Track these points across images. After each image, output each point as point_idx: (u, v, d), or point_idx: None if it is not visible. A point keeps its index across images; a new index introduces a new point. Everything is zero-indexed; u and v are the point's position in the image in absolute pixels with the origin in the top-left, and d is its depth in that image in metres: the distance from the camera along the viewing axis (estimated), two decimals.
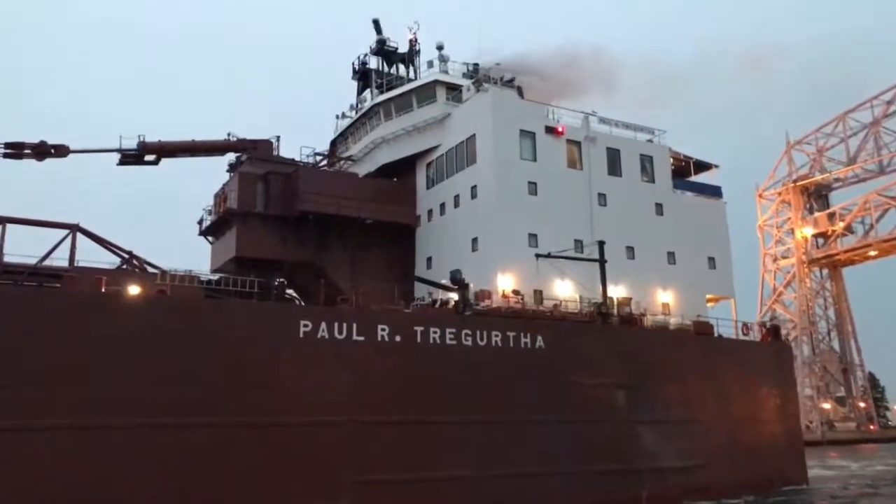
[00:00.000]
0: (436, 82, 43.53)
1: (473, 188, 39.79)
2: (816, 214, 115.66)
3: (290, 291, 44.24)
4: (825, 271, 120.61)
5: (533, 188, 39.40)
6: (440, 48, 45.39)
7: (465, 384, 31.68)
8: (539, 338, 33.92)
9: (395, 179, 46.03)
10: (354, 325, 29.92)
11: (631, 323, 37.47)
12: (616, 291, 39.91)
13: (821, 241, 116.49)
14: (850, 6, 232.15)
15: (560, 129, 40.91)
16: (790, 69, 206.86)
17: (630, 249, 41.54)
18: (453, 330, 32.05)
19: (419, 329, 31.33)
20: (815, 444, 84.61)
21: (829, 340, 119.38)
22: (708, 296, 44.33)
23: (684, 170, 47.06)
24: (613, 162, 42.54)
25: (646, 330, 38.03)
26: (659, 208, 43.46)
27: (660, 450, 36.10)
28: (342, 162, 48.66)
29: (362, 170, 46.97)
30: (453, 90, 43.14)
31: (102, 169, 51.83)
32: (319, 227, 41.78)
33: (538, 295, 37.62)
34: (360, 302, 31.40)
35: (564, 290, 38.23)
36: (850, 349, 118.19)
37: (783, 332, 43.57)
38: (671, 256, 42.96)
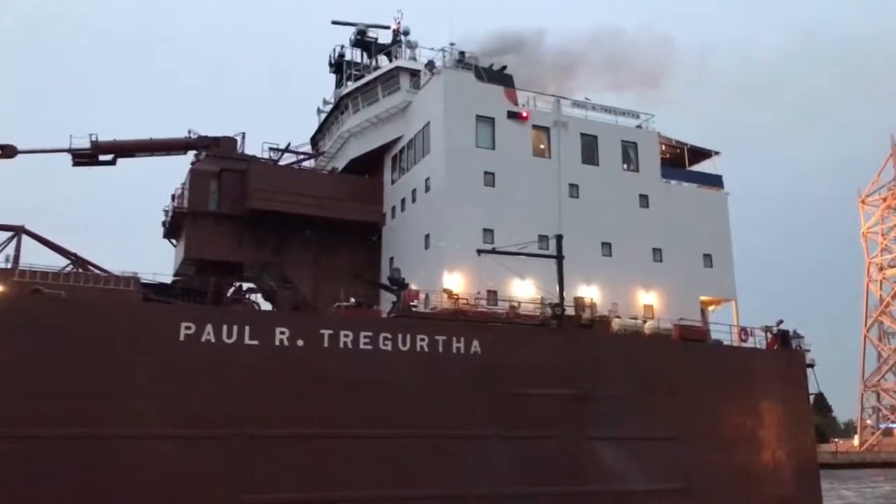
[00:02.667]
0: (398, 69, 40.57)
1: (427, 181, 36.68)
2: None
3: (254, 296, 42.32)
4: None
5: (490, 179, 35.93)
6: (406, 33, 42.59)
7: (382, 394, 28.51)
8: (475, 342, 30.35)
9: (366, 175, 43.35)
10: (247, 328, 27.30)
11: (590, 326, 33.33)
12: (588, 292, 35.91)
13: None
14: None
15: (524, 114, 37.23)
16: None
17: (606, 246, 37.37)
18: (369, 334, 28.97)
19: (327, 332, 28.39)
20: None
21: None
22: (703, 297, 39.39)
23: (680, 158, 42.23)
24: (589, 149, 38.43)
25: (609, 335, 33.76)
26: (644, 200, 39.01)
27: (625, 470, 31.81)
28: (318, 158, 46.40)
29: (337, 165, 44.57)
30: (416, 77, 40.10)
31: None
32: (278, 227, 39.66)
33: (492, 295, 34.14)
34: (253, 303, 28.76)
35: (525, 291, 34.51)
36: None
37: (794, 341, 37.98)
38: (657, 253, 38.42)
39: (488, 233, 34.95)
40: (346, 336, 28.63)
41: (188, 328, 26.54)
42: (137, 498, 24.61)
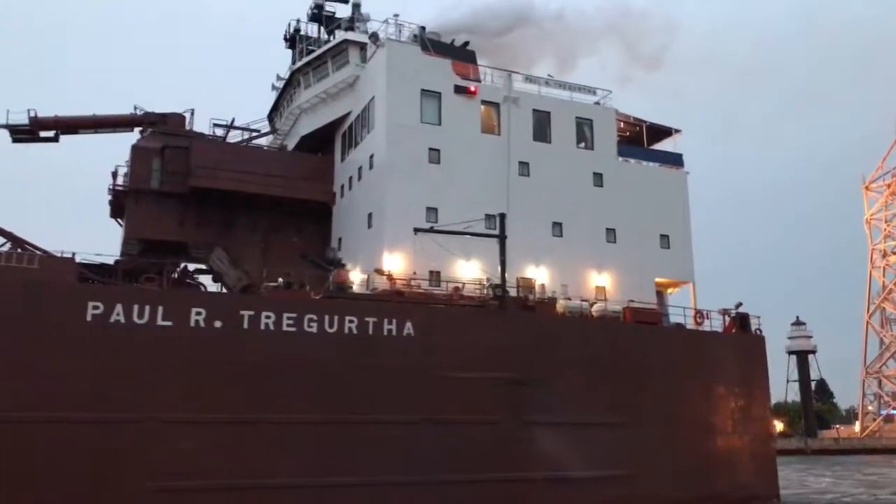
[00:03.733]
0: (346, 42, 39.10)
1: (371, 158, 35.43)
2: None
3: (200, 277, 41.24)
4: None
5: (435, 156, 34.64)
6: (357, 6, 41.01)
7: (306, 377, 27.34)
8: (408, 324, 29.16)
9: (319, 153, 42.10)
10: (160, 309, 26.20)
11: (531, 308, 32.09)
12: (537, 274, 34.71)
13: None
14: None
15: (472, 89, 35.86)
16: None
17: (557, 226, 36.06)
18: (293, 315, 27.82)
19: (247, 314, 27.25)
20: None
21: None
22: (658, 279, 38.06)
23: (639, 136, 40.74)
24: (541, 126, 37.05)
25: (553, 317, 32.48)
26: (598, 179, 37.63)
27: (565, 457, 30.62)
28: (275, 135, 45.15)
29: (289, 143, 43.35)
30: (365, 50, 38.70)
31: None
32: (224, 206, 38.53)
33: (434, 276, 32.97)
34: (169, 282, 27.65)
35: (470, 272, 33.30)
36: None
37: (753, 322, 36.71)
38: (611, 234, 37.09)
39: (432, 212, 33.75)
40: (268, 318, 27.50)
41: (96, 308, 25.44)
42: (34, 485, 23.59)
